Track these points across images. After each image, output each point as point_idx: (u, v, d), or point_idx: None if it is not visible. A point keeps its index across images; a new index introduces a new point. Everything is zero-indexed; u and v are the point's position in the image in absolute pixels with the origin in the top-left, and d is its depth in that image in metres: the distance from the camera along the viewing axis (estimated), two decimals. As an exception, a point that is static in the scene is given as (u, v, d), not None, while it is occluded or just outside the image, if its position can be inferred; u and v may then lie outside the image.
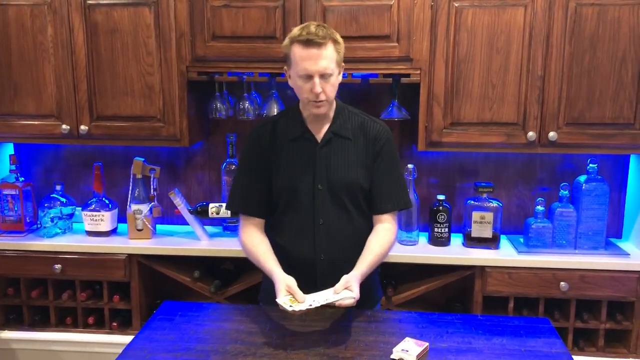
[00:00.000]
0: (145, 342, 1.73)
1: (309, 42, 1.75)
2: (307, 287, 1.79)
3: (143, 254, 2.59)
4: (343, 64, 1.85)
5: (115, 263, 2.58)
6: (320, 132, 1.90)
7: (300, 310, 1.68)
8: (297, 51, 1.77)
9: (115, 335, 2.66)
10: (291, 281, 1.77)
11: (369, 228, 1.95)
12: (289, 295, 1.74)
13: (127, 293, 2.64)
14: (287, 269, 1.84)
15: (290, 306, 1.68)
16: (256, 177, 1.93)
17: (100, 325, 2.69)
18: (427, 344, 1.68)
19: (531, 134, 2.38)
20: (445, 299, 2.75)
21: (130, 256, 2.58)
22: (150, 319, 1.89)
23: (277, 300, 1.71)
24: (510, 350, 1.69)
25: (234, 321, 1.87)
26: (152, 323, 1.86)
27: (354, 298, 1.71)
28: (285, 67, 1.87)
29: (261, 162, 1.92)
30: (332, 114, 1.91)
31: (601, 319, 2.48)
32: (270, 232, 1.97)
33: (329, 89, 1.80)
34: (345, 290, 1.73)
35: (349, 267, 1.83)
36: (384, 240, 1.92)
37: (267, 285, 1.91)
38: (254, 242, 1.93)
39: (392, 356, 1.64)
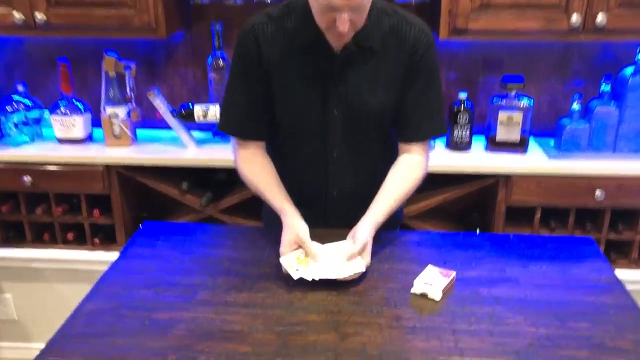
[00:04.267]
0: (121, 275, 1.47)
1: None
2: (316, 223, 1.51)
3: (123, 164, 2.28)
4: None
5: (92, 175, 2.28)
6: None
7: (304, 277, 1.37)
8: None
9: (99, 251, 2.41)
10: (303, 230, 1.44)
11: (392, 160, 1.59)
12: (298, 248, 1.44)
13: (109, 207, 2.37)
14: (293, 201, 1.54)
15: (297, 269, 1.38)
16: (252, 91, 1.51)
17: (81, 241, 2.44)
18: (453, 273, 1.41)
19: (575, 18, 1.98)
20: (462, 208, 2.48)
21: (109, 167, 2.27)
22: (126, 244, 1.62)
23: (280, 260, 1.41)
24: (551, 280, 1.43)
25: (227, 247, 1.59)
26: (129, 250, 1.58)
27: (363, 270, 1.40)
28: None
29: (258, 71, 1.48)
30: None
31: (638, 229, 2.22)
32: (273, 156, 1.61)
33: (360, 19, 1.35)
34: (356, 260, 1.41)
35: (368, 204, 1.51)
36: (410, 178, 1.55)
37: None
38: (254, 171, 1.57)
39: (412, 290, 1.38)
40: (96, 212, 2.35)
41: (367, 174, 1.59)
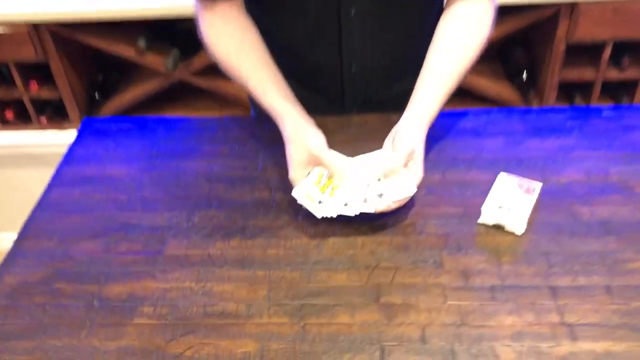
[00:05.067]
0: (55, 215, 1.01)
1: None
2: (329, 109, 1.04)
3: (56, 21, 1.69)
4: None
5: (17, 37, 1.71)
6: None
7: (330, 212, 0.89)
8: None
9: (49, 130, 1.93)
10: (316, 143, 0.92)
11: (436, 17, 1.02)
12: (313, 168, 0.94)
13: (51, 76, 1.83)
14: (295, 82, 1.02)
15: (320, 202, 0.90)
16: None
17: (24, 119, 1.95)
18: (539, 185, 0.96)
19: None
20: (502, 43, 1.94)
21: (37, 26, 1.69)
22: (61, 162, 1.13)
23: (293, 194, 0.92)
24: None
25: (203, 156, 1.11)
26: (64, 170, 1.10)
27: (413, 192, 0.90)
28: None
29: None
30: None
31: None
32: (258, 19, 1.04)
33: None
34: (402, 178, 0.91)
35: (400, 82, 1.02)
36: (472, 40, 0.98)
37: None
38: (230, 47, 1.01)
39: (481, 220, 0.93)
40: (33, 84, 1.83)
41: (401, 39, 1.05)
